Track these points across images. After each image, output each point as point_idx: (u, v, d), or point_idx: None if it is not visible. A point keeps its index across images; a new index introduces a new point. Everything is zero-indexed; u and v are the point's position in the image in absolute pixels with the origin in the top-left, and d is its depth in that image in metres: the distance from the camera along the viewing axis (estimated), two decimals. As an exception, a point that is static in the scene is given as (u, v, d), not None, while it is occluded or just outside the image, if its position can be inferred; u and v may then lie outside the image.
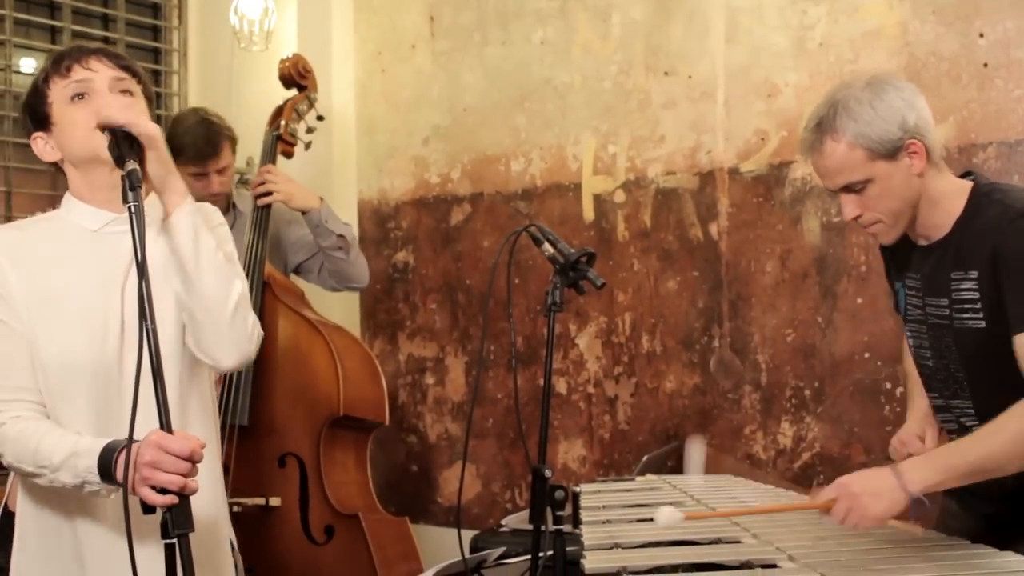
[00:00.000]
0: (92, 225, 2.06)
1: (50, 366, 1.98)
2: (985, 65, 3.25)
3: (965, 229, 2.18)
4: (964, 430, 2.30)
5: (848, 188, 2.17)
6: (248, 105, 4.02)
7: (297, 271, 3.83)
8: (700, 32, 3.75)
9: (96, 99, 2.00)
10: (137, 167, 1.82)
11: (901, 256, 2.35)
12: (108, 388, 1.97)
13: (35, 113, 2.06)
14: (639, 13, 3.87)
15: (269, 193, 3.59)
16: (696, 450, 2.22)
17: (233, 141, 3.62)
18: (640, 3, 3.85)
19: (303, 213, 3.64)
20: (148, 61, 4.55)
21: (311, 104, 3.85)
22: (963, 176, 2.28)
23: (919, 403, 2.49)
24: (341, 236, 3.65)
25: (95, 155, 1.96)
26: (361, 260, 3.78)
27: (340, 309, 4.36)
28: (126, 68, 2.06)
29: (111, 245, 2.02)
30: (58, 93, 2.03)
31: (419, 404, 4.37)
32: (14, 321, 1.99)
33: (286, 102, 3.81)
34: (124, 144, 1.87)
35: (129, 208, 1.78)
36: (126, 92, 2.04)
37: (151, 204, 2.02)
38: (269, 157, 3.72)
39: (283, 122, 3.74)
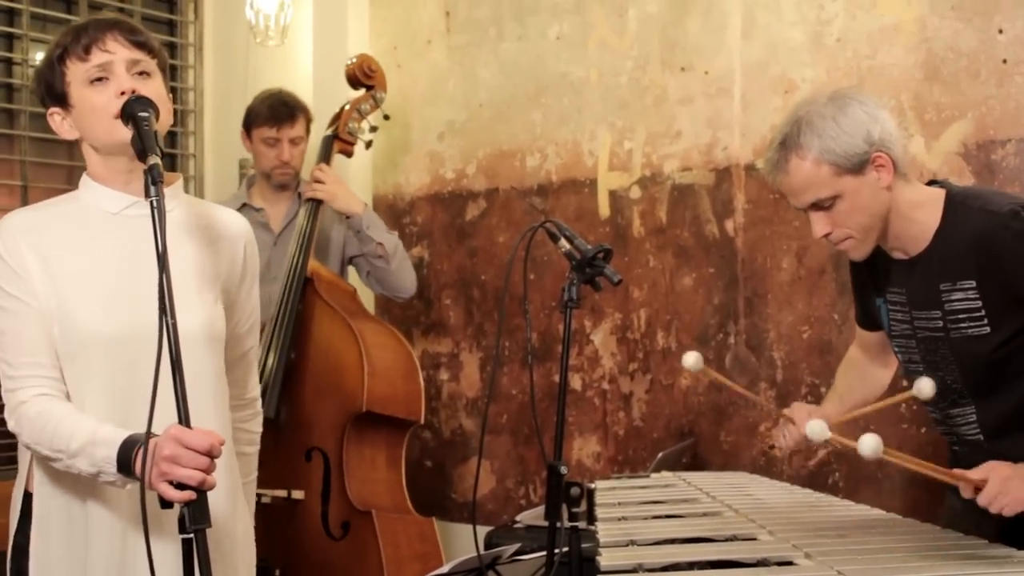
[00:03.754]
0: (112, 207, 2.07)
1: (73, 341, 1.99)
2: (1004, 61, 3.23)
3: (948, 239, 2.15)
4: (962, 441, 2.28)
5: (816, 206, 2.14)
6: (263, 98, 4.01)
7: (353, 264, 3.93)
8: (717, 27, 3.73)
9: (114, 81, 2.00)
10: (159, 161, 1.82)
11: (880, 272, 2.30)
12: (132, 364, 1.97)
13: (51, 89, 2.06)
14: (655, 8, 3.86)
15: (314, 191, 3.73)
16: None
17: (308, 119, 3.79)
18: (656, -2, 3.85)
19: (346, 217, 3.76)
20: (164, 56, 4.55)
21: (376, 103, 3.98)
22: (930, 184, 2.24)
23: (827, 407, 2.45)
24: (380, 244, 3.74)
25: (119, 145, 1.98)
26: (404, 272, 3.86)
27: (355, 304, 4.37)
28: (142, 45, 2.05)
29: (132, 227, 2.03)
30: (76, 74, 2.02)
31: (433, 400, 4.36)
32: (29, 298, 1.99)
33: (349, 102, 3.93)
34: (147, 138, 1.87)
35: (151, 203, 1.78)
36: (143, 74, 2.04)
37: (170, 194, 2.03)
38: (324, 156, 3.84)
39: (341, 122, 3.87)
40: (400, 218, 4.47)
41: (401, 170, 4.48)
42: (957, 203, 2.15)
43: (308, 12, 4.44)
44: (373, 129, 3.96)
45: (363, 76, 3.94)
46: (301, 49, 4.37)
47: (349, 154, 3.94)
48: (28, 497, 2.07)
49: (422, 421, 3.72)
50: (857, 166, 2.09)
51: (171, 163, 4.60)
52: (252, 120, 3.74)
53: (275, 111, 3.69)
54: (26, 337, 1.99)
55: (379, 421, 3.57)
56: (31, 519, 2.05)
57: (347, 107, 3.91)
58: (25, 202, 3.93)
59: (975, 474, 1.97)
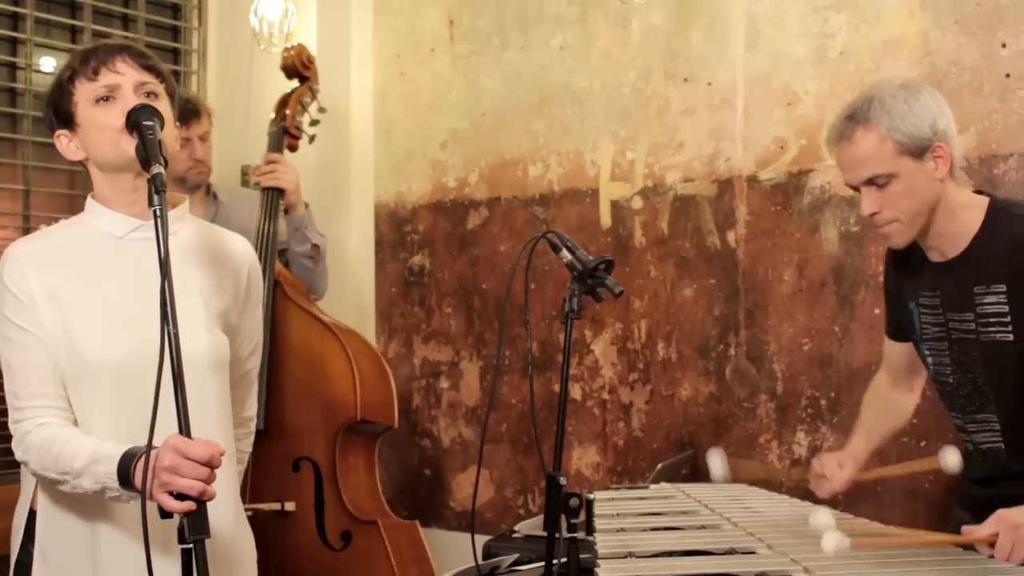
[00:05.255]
0: (117, 231, 2.08)
1: (80, 368, 1.99)
2: (1007, 76, 3.23)
3: (986, 243, 2.19)
4: (979, 450, 2.29)
5: (871, 181, 2.18)
6: (266, 104, 4.02)
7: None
8: (720, 39, 3.74)
9: (121, 101, 2.01)
10: (162, 171, 1.83)
11: (914, 274, 2.35)
12: (139, 389, 1.96)
13: (59, 111, 2.08)
14: (659, 19, 3.86)
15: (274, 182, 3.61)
16: (717, 460, 2.26)
17: (209, 112, 3.66)
18: (660, 9, 3.84)
19: (286, 212, 3.65)
20: (168, 62, 4.54)
21: (314, 96, 3.87)
22: (976, 193, 2.29)
23: (855, 442, 2.54)
24: (315, 246, 3.68)
25: (123, 160, 1.99)
26: (325, 273, 3.78)
27: (354, 312, 4.37)
28: (150, 68, 2.07)
29: (138, 251, 2.04)
30: (84, 94, 2.04)
31: (433, 408, 4.36)
32: (36, 329, 2.00)
33: (291, 93, 3.81)
34: (151, 147, 1.88)
35: (154, 211, 1.79)
36: (151, 95, 2.05)
37: (176, 215, 2.04)
38: (276, 149, 3.73)
39: (289, 114, 3.75)
40: (402, 226, 4.47)
41: (403, 178, 4.48)
42: (1000, 209, 2.21)
43: (312, 19, 4.45)
44: (314, 123, 3.84)
45: (301, 67, 3.82)
46: (291, 44, 4.36)
47: (294, 148, 3.81)
48: (32, 515, 2.07)
49: (396, 425, 3.67)
50: (918, 150, 2.15)
51: (173, 169, 4.59)
52: None
53: (181, 111, 3.56)
54: (33, 368, 2.00)
55: (361, 428, 3.52)
56: (34, 540, 2.05)
57: (290, 100, 3.79)
58: (27, 206, 3.93)
59: (984, 530, 1.95)
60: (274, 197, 3.61)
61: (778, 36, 3.62)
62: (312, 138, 3.85)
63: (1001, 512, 1.95)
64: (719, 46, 3.74)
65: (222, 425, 2.12)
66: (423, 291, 4.42)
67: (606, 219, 3.98)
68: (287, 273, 3.64)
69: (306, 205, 3.70)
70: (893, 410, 2.60)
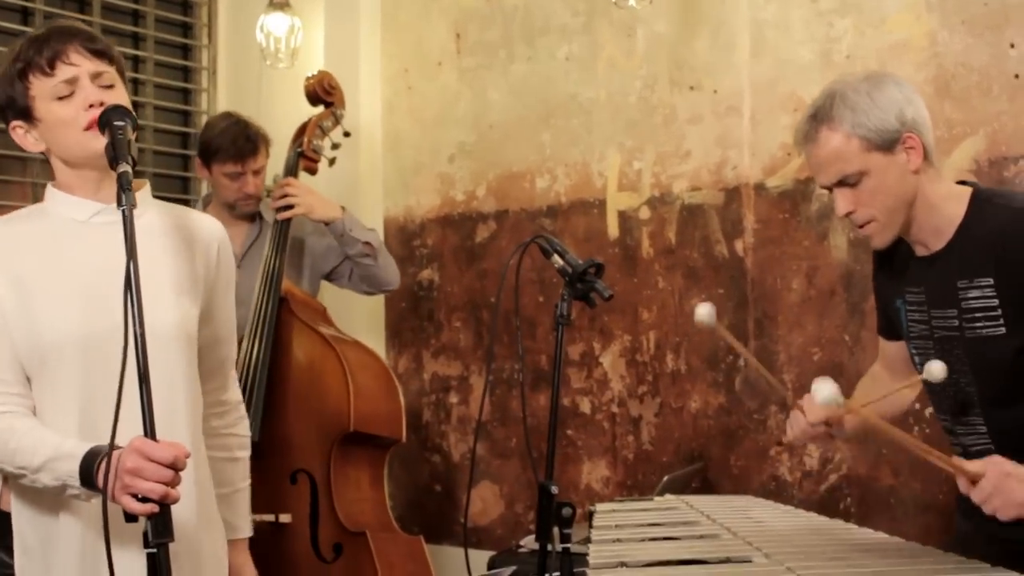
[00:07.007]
0: (80, 216, 2.07)
1: (42, 348, 1.98)
2: (1016, 76, 3.17)
3: (969, 235, 2.11)
4: (968, 453, 2.22)
5: (842, 182, 2.11)
6: (276, 122, 4.03)
7: (329, 278, 3.83)
8: (725, 46, 3.70)
9: (81, 93, 2.00)
10: (129, 169, 1.82)
11: (899, 270, 2.27)
12: (102, 370, 1.95)
13: (13, 103, 2.05)
14: (664, 27, 3.83)
15: (290, 207, 3.60)
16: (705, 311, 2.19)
17: (268, 143, 3.67)
18: (665, 17, 3.81)
19: (326, 224, 3.65)
20: (178, 79, 4.58)
21: (337, 120, 3.87)
22: (959, 184, 2.21)
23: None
24: (367, 243, 3.66)
25: (90, 156, 1.99)
26: (390, 263, 3.78)
27: (365, 327, 4.35)
28: (103, 54, 2.06)
29: (102, 234, 2.03)
30: (41, 89, 2.02)
31: (443, 423, 4.33)
32: None
33: (311, 119, 3.83)
34: (120, 146, 1.87)
35: (122, 212, 1.77)
36: (108, 87, 2.04)
37: (139, 199, 2.01)
38: (291, 173, 3.74)
39: (306, 138, 3.77)
40: (410, 240, 4.45)
41: (412, 192, 4.46)
42: (983, 200, 2.13)
43: (320, 35, 4.45)
44: (335, 146, 3.84)
45: (323, 93, 3.83)
46: (311, 71, 4.37)
47: (313, 171, 3.83)
48: (4, 516, 2.05)
49: (403, 439, 3.66)
50: (887, 143, 2.07)
51: (184, 185, 4.61)
52: (212, 154, 3.57)
53: (238, 147, 3.54)
54: None
55: (363, 441, 3.51)
56: (8, 538, 2.03)
57: (309, 124, 3.81)
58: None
59: (973, 466, 1.89)
60: (283, 228, 3.61)
61: (783, 42, 3.58)
62: (332, 161, 3.85)
63: (996, 457, 1.90)
64: (724, 53, 3.70)
65: (189, 399, 2.09)
66: (432, 305, 4.39)
67: (614, 230, 3.94)
68: (297, 291, 3.65)
69: (343, 208, 3.69)
70: (889, 398, 2.50)
